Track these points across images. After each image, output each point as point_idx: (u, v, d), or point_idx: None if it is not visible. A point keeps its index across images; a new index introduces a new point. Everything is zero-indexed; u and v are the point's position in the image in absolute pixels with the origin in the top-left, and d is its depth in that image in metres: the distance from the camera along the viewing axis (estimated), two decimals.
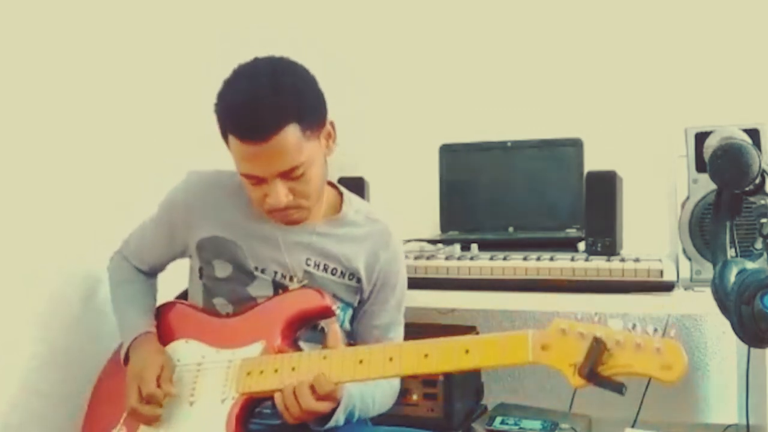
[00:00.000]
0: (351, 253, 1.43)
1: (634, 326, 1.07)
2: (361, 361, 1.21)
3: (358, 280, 1.43)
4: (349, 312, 1.46)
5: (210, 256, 1.42)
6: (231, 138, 1.26)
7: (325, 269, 1.41)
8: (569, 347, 1.08)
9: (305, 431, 1.36)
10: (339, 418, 1.26)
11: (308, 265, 1.41)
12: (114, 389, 1.41)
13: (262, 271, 1.40)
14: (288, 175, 1.27)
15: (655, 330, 1.05)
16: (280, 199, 1.28)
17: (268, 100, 1.23)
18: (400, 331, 1.50)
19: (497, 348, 1.14)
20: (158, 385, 1.29)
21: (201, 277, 1.45)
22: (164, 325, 1.44)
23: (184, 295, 1.55)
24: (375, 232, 1.46)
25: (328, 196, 1.45)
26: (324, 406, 1.21)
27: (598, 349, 1.04)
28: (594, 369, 1.04)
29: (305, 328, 1.38)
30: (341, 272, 1.42)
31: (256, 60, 1.30)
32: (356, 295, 1.44)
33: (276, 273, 1.40)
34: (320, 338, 1.40)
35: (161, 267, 1.57)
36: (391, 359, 1.19)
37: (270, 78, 1.25)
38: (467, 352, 1.15)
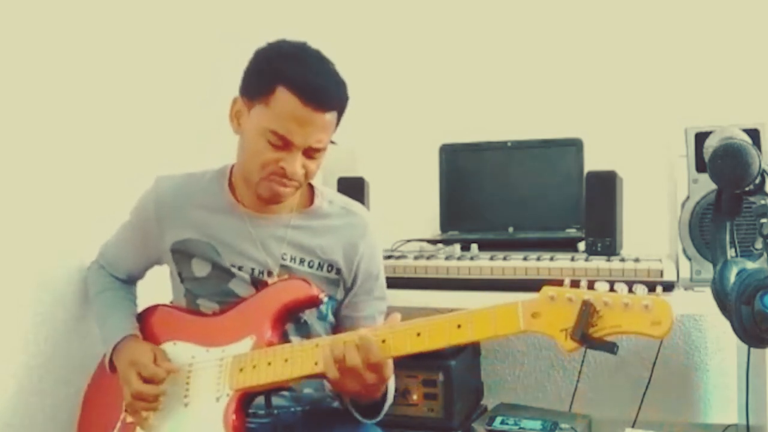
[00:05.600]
0: (327, 244, 1.42)
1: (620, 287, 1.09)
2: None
3: (338, 272, 1.42)
4: (332, 304, 1.45)
5: (186, 257, 1.42)
6: (286, 94, 1.26)
7: (302, 262, 1.41)
8: (559, 313, 1.10)
9: (304, 430, 1.38)
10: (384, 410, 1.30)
11: (284, 259, 1.40)
12: (104, 398, 1.41)
13: (240, 269, 1.40)
14: (312, 152, 1.32)
15: (643, 289, 1.07)
16: (296, 168, 1.30)
17: (337, 78, 1.33)
18: (383, 320, 1.48)
19: (489, 320, 1.15)
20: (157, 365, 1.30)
21: (182, 281, 1.44)
22: (148, 329, 1.43)
23: None
24: (351, 223, 1.44)
25: (301, 190, 1.43)
26: (371, 377, 1.19)
27: (587, 311, 1.06)
28: (585, 331, 1.06)
29: (293, 319, 1.38)
30: (318, 264, 1.41)
31: (306, 43, 1.34)
32: (337, 287, 1.43)
33: (253, 270, 1.40)
34: (308, 331, 1.41)
35: (139, 275, 1.56)
36: (384, 341, 1.19)
37: (331, 62, 1.34)
38: (459, 326, 1.16)
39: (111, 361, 1.38)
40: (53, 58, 1.53)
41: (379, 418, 1.33)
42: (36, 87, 1.49)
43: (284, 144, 1.28)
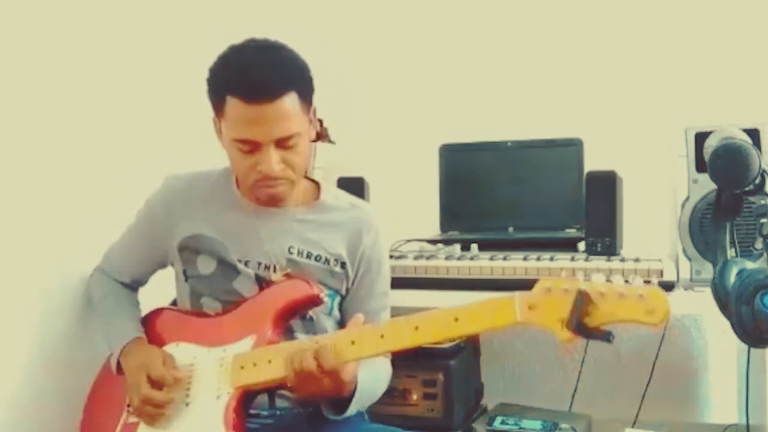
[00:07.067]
0: (332, 238, 1.43)
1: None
2: (353, 342, 1.22)
3: (343, 265, 1.43)
4: (337, 299, 1.45)
5: (192, 254, 1.43)
6: (232, 101, 1.27)
7: (309, 256, 1.41)
8: (555, 304, 1.10)
9: (308, 430, 1.37)
10: (352, 408, 1.28)
11: (291, 253, 1.41)
12: (108, 398, 1.41)
13: (246, 264, 1.40)
14: (283, 143, 1.30)
15: (639, 280, 1.08)
16: (272, 166, 1.30)
17: (276, 64, 1.30)
18: (388, 316, 1.50)
19: (485, 313, 1.17)
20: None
21: (186, 280, 1.44)
22: (153, 331, 1.44)
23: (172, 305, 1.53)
24: (357, 218, 1.46)
25: (305, 186, 1.47)
26: (327, 384, 1.21)
27: (582, 301, 1.06)
28: (580, 321, 1.06)
29: (296, 318, 1.38)
30: (325, 259, 1.42)
31: (254, 38, 1.35)
32: (343, 281, 1.44)
33: (259, 264, 1.40)
34: (314, 327, 1.42)
35: (142, 279, 1.56)
36: (382, 336, 1.21)
37: (274, 48, 1.33)
38: (456, 320, 1.18)
39: (118, 362, 1.38)
40: (52, 62, 1.52)
41: (344, 415, 1.29)
42: (35, 91, 1.48)
43: (252, 146, 1.30)
